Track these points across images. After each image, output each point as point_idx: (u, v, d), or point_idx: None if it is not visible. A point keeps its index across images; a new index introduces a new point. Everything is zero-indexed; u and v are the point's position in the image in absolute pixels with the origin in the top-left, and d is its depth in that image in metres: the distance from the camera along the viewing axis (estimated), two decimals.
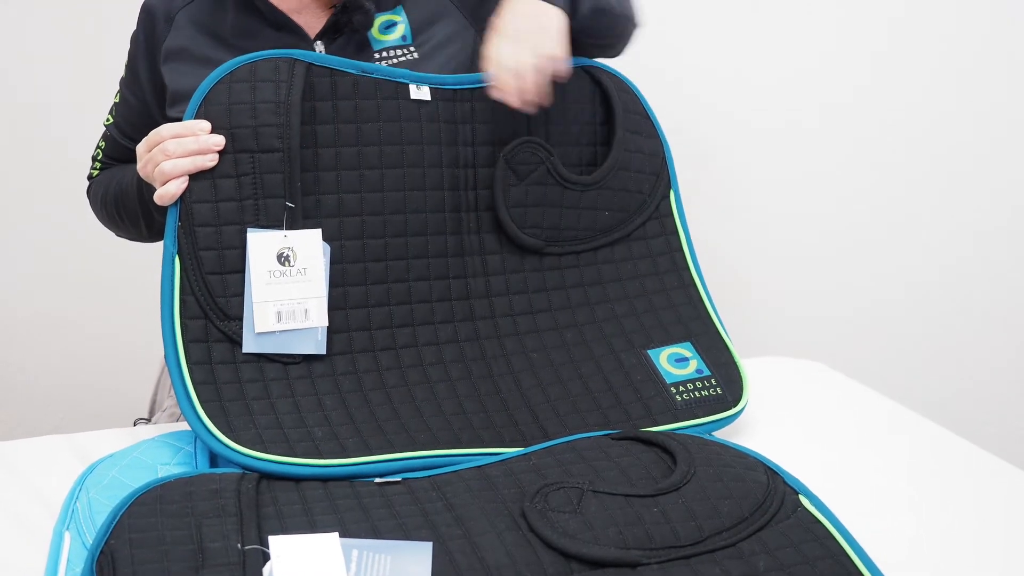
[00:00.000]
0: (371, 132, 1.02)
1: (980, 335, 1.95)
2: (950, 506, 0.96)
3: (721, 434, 1.07)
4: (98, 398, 1.94)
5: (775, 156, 1.90)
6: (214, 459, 0.94)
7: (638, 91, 1.18)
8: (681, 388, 1.06)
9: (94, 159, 1.22)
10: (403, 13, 1.16)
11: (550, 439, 0.98)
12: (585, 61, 1.15)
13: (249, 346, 0.95)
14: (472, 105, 1.08)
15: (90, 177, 1.23)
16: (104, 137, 1.21)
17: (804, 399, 1.21)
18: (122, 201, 1.13)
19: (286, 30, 1.13)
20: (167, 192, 0.95)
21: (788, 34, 1.84)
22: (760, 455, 0.93)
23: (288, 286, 0.97)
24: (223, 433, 0.90)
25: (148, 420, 1.25)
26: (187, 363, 0.93)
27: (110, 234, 1.24)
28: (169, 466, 0.93)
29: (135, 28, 1.17)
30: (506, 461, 0.93)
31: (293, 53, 1.00)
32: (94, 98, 1.46)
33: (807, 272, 1.96)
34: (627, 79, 1.17)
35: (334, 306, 0.99)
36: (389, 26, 1.15)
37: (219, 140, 0.96)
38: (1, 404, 1.94)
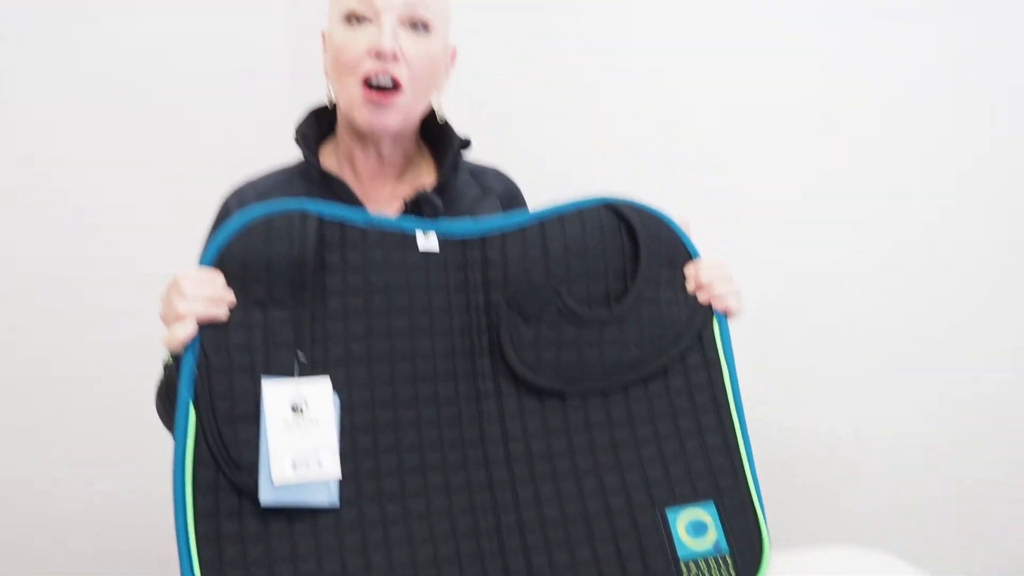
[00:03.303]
0: (378, 281, 1.03)
1: None
2: None
3: None
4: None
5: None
6: None
7: (668, 219, 1.14)
8: (693, 567, 1.03)
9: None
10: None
11: None
12: (607, 199, 1.13)
13: (266, 497, 0.93)
14: (483, 252, 1.08)
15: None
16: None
17: None
18: (165, 383, 1.11)
19: None
20: (175, 337, 0.95)
21: (776, 83, 1.83)
22: None
23: (301, 435, 0.97)
24: None
25: None
26: (194, 516, 0.92)
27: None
28: None
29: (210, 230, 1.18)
30: None
31: (305, 206, 1.02)
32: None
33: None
34: (653, 209, 1.14)
35: (342, 455, 0.99)
36: None
37: (231, 298, 0.98)
38: None
